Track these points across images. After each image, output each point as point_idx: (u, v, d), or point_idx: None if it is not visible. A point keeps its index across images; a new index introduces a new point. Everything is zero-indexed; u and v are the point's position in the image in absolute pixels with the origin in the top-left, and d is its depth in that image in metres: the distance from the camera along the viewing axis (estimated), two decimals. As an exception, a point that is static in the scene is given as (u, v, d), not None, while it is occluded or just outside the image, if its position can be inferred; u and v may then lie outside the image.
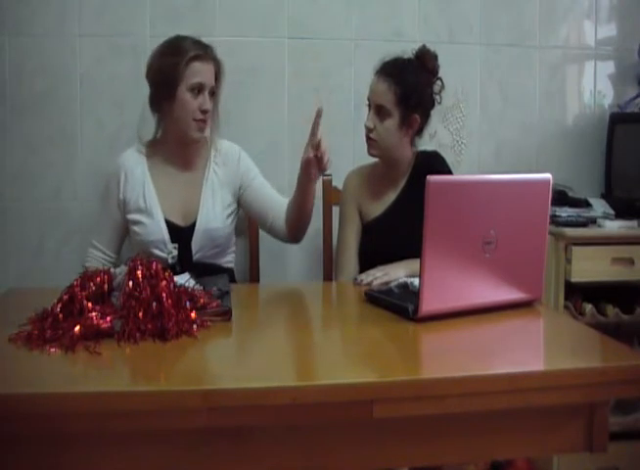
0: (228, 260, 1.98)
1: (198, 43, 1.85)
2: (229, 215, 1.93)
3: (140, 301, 1.27)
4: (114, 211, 1.91)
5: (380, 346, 1.29)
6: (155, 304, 1.27)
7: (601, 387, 1.15)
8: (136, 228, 1.87)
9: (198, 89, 1.83)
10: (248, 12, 2.40)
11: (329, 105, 2.48)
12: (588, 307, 2.25)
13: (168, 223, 1.85)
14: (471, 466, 1.93)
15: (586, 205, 2.41)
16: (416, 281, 1.45)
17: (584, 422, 1.19)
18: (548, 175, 1.48)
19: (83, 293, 1.30)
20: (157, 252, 1.82)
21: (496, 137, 2.60)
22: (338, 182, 2.41)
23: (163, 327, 1.25)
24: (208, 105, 1.84)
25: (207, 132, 1.91)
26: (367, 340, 1.33)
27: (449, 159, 2.57)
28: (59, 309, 1.28)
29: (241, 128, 2.42)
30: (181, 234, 1.84)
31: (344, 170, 2.47)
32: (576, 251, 2.19)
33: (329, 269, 2.39)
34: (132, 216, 1.87)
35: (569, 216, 2.28)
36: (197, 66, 1.82)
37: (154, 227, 1.84)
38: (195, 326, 1.30)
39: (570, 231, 2.21)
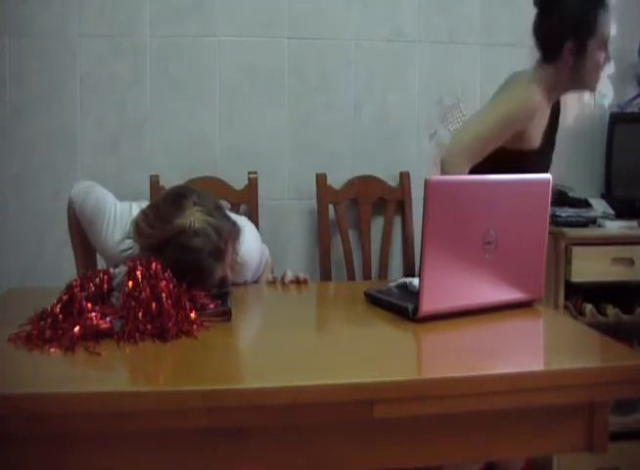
0: None
1: (213, 238, 1.45)
2: None
3: (140, 301, 1.27)
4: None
5: (380, 346, 1.29)
6: (154, 304, 1.27)
7: (601, 387, 1.15)
8: None
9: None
10: (248, 12, 2.40)
11: (329, 105, 2.49)
12: (588, 307, 2.25)
13: None
14: (475, 466, 1.90)
15: (586, 205, 2.41)
16: (415, 281, 1.45)
17: (584, 422, 1.19)
18: (548, 175, 1.48)
19: (83, 293, 1.30)
20: None
21: (496, 137, 2.59)
22: (332, 181, 2.42)
23: (163, 327, 1.25)
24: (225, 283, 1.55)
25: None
26: (367, 340, 1.33)
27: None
28: (58, 310, 1.28)
29: (241, 128, 2.42)
30: None
31: (343, 170, 2.48)
32: (576, 251, 2.18)
33: (326, 269, 2.40)
34: None
35: (569, 216, 2.28)
36: (214, 268, 1.47)
37: None
38: (195, 326, 1.29)
39: (570, 231, 2.21)
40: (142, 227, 1.50)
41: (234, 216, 1.63)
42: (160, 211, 1.50)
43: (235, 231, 1.55)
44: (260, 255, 1.80)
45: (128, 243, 1.62)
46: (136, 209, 1.64)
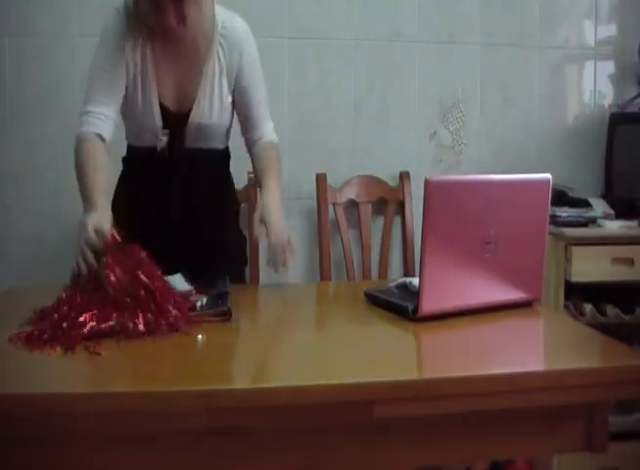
0: (223, 144, 1.90)
1: None
2: (225, 109, 1.78)
3: (138, 301, 1.27)
4: (115, 55, 1.68)
5: (380, 346, 1.29)
6: (152, 304, 1.28)
7: (601, 387, 1.15)
8: (127, 106, 1.72)
9: None
10: (248, 12, 2.39)
11: (329, 105, 2.49)
12: (588, 307, 2.25)
13: (162, 107, 1.71)
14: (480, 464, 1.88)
15: (586, 205, 2.41)
16: (415, 281, 1.45)
17: (584, 422, 1.19)
18: (548, 175, 1.48)
19: (82, 293, 1.30)
20: (147, 134, 1.73)
21: (496, 137, 2.60)
22: (332, 181, 2.42)
23: (162, 327, 1.26)
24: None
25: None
26: (367, 340, 1.33)
27: (449, 159, 2.59)
28: (58, 310, 1.28)
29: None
30: (174, 120, 1.72)
31: (343, 171, 2.48)
32: (576, 251, 2.19)
33: (326, 269, 2.40)
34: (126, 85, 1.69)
35: (569, 216, 2.28)
36: None
37: (147, 110, 1.70)
38: (194, 326, 1.30)
39: (570, 231, 2.21)
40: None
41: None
42: None
43: None
44: (255, 54, 1.84)
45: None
46: None
